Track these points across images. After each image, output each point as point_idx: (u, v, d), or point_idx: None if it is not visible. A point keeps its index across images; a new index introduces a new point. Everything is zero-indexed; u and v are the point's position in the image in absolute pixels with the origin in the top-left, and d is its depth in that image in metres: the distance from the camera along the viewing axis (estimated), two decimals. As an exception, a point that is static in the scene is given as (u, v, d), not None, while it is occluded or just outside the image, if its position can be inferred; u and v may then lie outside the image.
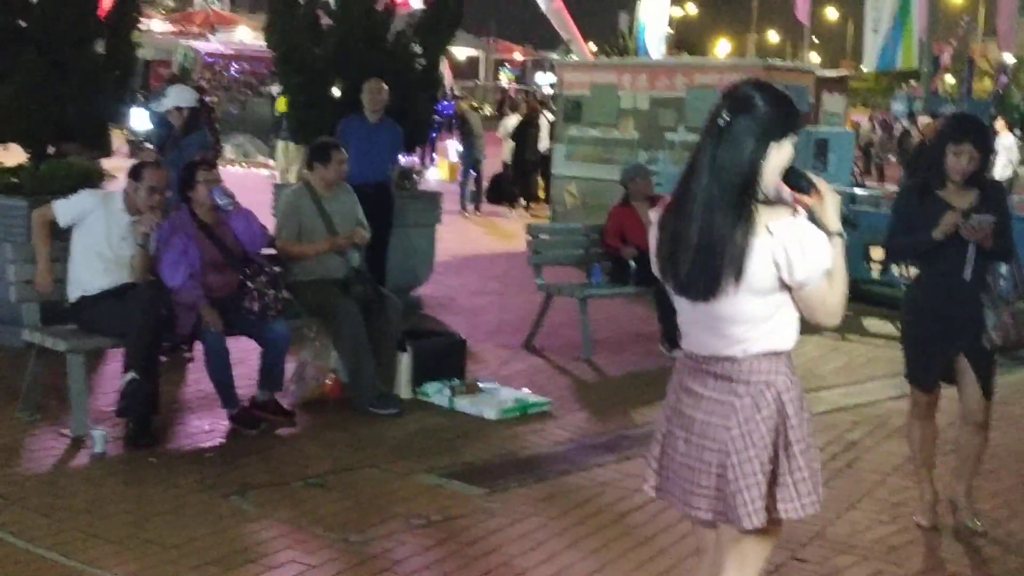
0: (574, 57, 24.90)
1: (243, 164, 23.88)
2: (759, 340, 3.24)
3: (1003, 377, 8.60)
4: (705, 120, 3.30)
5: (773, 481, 3.27)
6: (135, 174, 6.53)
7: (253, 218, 6.82)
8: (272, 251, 7.23)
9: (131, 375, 6.11)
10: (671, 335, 8.40)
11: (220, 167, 19.40)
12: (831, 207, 3.31)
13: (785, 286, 3.20)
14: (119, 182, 9.08)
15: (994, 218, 5.16)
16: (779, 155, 3.24)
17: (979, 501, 5.89)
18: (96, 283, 6.38)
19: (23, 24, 8.38)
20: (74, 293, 6.49)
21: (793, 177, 3.31)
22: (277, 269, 6.93)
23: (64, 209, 6.49)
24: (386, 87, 9.38)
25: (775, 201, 3.24)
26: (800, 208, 3.24)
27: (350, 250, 7.43)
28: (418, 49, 10.43)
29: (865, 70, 30.84)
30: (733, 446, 3.25)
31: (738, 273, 3.15)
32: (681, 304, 3.35)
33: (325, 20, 10.40)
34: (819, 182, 3.33)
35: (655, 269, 3.41)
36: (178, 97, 8.49)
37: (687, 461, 3.34)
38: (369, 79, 9.37)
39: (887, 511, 5.78)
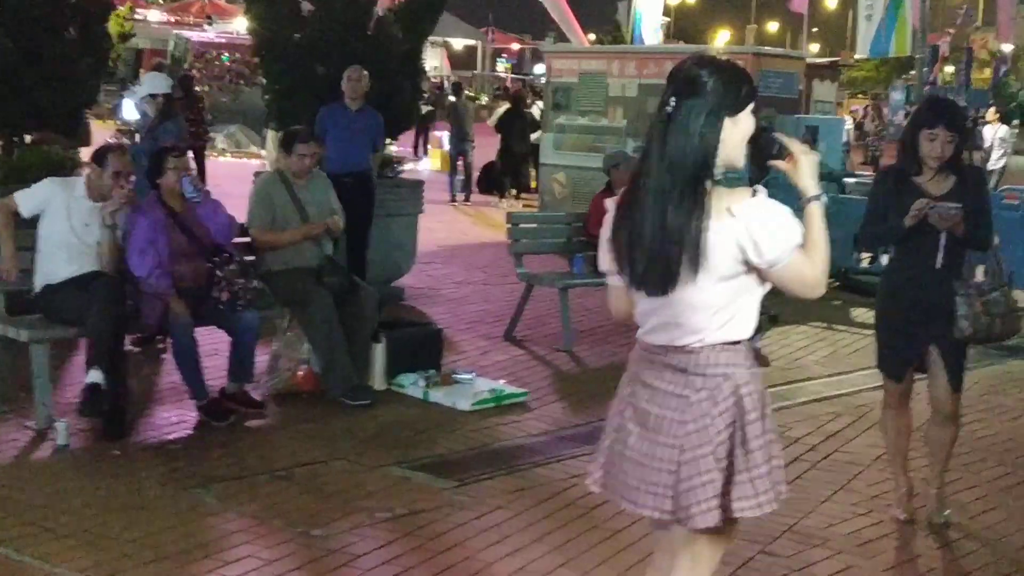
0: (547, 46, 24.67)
1: (235, 154, 23.75)
2: (717, 329, 3.11)
3: (988, 368, 8.58)
4: (656, 106, 3.16)
5: (729, 479, 3.13)
6: (98, 159, 6.43)
7: (220, 208, 6.72)
8: (244, 239, 7.14)
9: (94, 377, 5.97)
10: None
11: (212, 156, 19.18)
12: (807, 170, 3.15)
13: (751, 269, 3.06)
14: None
15: (958, 206, 5.01)
16: (737, 130, 3.09)
17: (957, 493, 5.80)
18: (60, 272, 6.28)
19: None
20: (39, 282, 6.39)
21: (765, 143, 3.18)
22: (248, 258, 6.84)
23: (26, 199, 6.39)
24: (366, 74, 9.25)
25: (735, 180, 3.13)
26: (760, 187, 3.08)
27: (324, 239, 7.33)
28: (400, 35, 10.28)
29: (857, 57, 30.66)
30: (688, 443, 3.11)
31: (696, 262, 3.02)
32: (636, 295, 3.22)
33: (306, 6, 10.26)
34: (792, 144, 3.18)
35: (603, 262, 3.29)
36: (151, 85, 8.38)
37: (637, 457, 3.19)
38: (349, 66, 9.25)
39: (863, 503, 5.67)
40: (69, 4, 8.31)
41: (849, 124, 23.51)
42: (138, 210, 6.54)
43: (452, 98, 21.01)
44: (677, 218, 3.02)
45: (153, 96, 8.32)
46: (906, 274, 5.32)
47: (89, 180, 6.44)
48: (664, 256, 3.04)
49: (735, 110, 3.08)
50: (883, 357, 5.51)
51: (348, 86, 9.21)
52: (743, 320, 3.13)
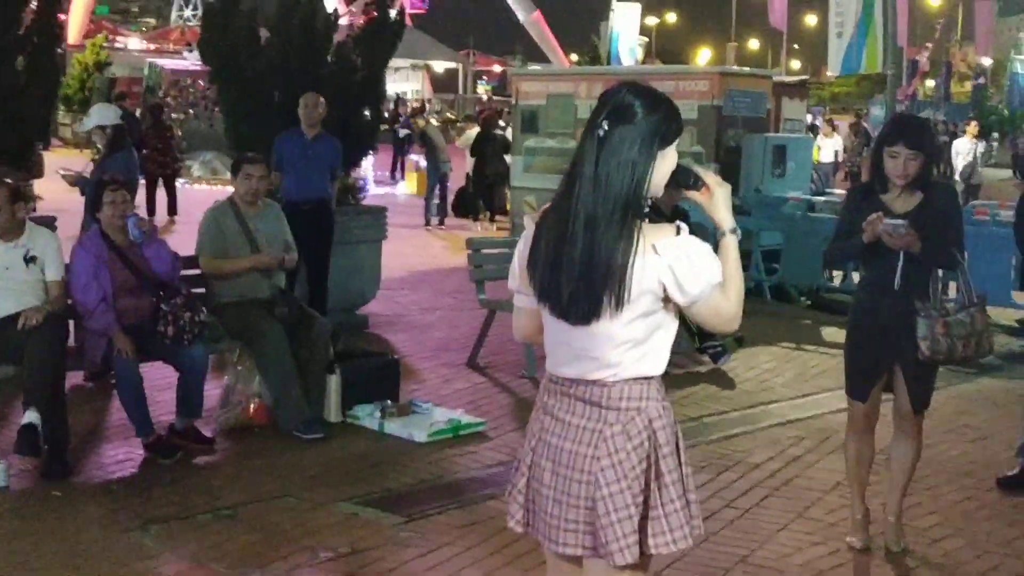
0: (534, 67, 24.68)
1: (210, 181, 23.61)
2: (631, 365, 3.04)
3: (958, 386, 8.46)
4: (584, 128, 3.09)
5: (644, 514, 3.06)
6: None
7: (164, 247, 6.61)
8: (193, 271, 7.02)
9: (30, 418, 5.83)
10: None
11: (187, 184, 19.06)
12: (722, 201, 3.11)
13: (668, 305, 3.02)
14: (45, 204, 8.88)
15: (904, 223, 4.91)
16: (664, 163, 3.05)
17: (917, 518, 5.69)
18: (-6, 310, 6.14)
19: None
20: (-26, 321, 6.24)
21: (680, 173, 3.12)
22: (196, 291, 6.71)
23: None
24: (323, 101, 9.13)
25: (658, 217, 3.06)
26: (683, 223, 3.05)
27: (276, 271, 7.20)
28: (359, 61, 10.18)
29: (829, 74, 30.79)
30: (603, 478, 3.03)
31: (620, 296, 2.96)
32: (550, 323, 3.13)
33: (263, 32, 10.16)
34: (707, 176, 3.13)
35: (514, 280, 3.21)
36: (100, 116, 8.23)
37: (553, 494, 3.11)
38: (305, 93, 9.13)
39: (820, 532, 5.55)
40: (16, 34, 8.16)
41: (838, 143, 23.34)
42: (81, 244, 6.42)
43: (421, 122, 20.97)
44: (606, 248, 2.96)
45: (102, 128, 8.17)
46: (868, 294, 5.27)
47: None
48: (590, 284, 2.98)
49: (664, 143, 3.04)
50: (848, 378, 5.42)
51: (304, 113, 9.09)
52: (657, 356, 3.08)
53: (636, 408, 3.05)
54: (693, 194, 3.12)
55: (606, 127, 3.00)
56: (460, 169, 19.79)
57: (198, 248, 7.13)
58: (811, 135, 20.95)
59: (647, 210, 3.04)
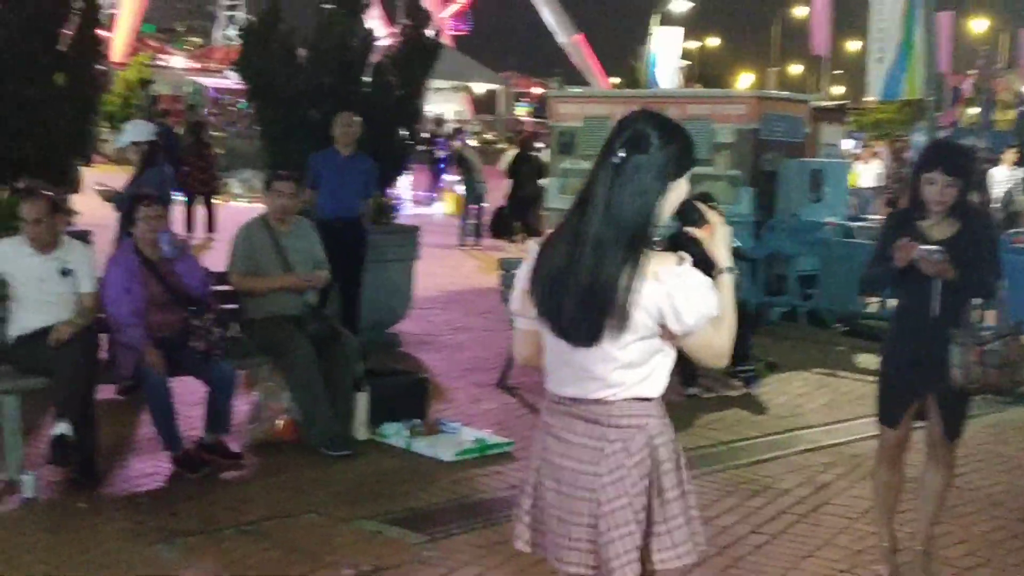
0: (572, 89, 24.69)
1: (248, 199, 23.76)
2: (632, 385, 3.08)
3: (991, 416, 8.36)
4: (599, 153, 3.11)
5: (647, 530, 3.09)
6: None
7: (196, 264, 6.67)
8: (223, 287, 7.06)
9: (61, 429, 5.88)
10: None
11: (226, 202, 19.16)
12: (721, 240, 3.17)
13: (664, 332, 3.05)
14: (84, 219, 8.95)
15: (940, 249, 4.87)
16: (675, 194, 3.09)
17: (947, 548, 5.61)
18: (29, 323, 6.20)
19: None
20: (12, 333, 6.31)
21: (685, 209, 3.16)
22: (228, 306, 6.75)
23: None
24: (358, 120, 9.18)
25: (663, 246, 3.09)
26: (686, 255, 3.08)
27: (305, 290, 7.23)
28: (395, 82, 10.24)
29: (868, 99, 30.60)
30: (604, 494, 3.07)
31: (622, 318, 3.00)
32: (551, 343, 3.16)
33: (301, 52, 10.24)
34: (710, 214, 3.18)
35: (515, 301, 3.22)
36: (135, 132, 8.29)
37: (558, 513, 3.15)
38: (341, 112, 9.19)
39: (848, 559, 5.49)
40: (55, 51, 8.25)
41: (878, 168, 23.20)
42: (113, 258, 6.48)
43: (456, 144, 21.13)
44: (612, 273, 3.00)
45: (137, 144, 8.23)
46: (905, 320, 5.21)
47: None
48: (593, 307, 3.01)
49: (678, 175, 3.09)
50: (880, 405, 5.36)
51: (339, 132, 9.15)
52: (657, 378, 3.12)
53: (637, 425, 3.09)
54: (695, 231, 3.17)
55: (622, 155, 3.03)
56: (499, 190, 19.85)
57: (229, 265, 7.17)
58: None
59: (656, 237, 3.08)
